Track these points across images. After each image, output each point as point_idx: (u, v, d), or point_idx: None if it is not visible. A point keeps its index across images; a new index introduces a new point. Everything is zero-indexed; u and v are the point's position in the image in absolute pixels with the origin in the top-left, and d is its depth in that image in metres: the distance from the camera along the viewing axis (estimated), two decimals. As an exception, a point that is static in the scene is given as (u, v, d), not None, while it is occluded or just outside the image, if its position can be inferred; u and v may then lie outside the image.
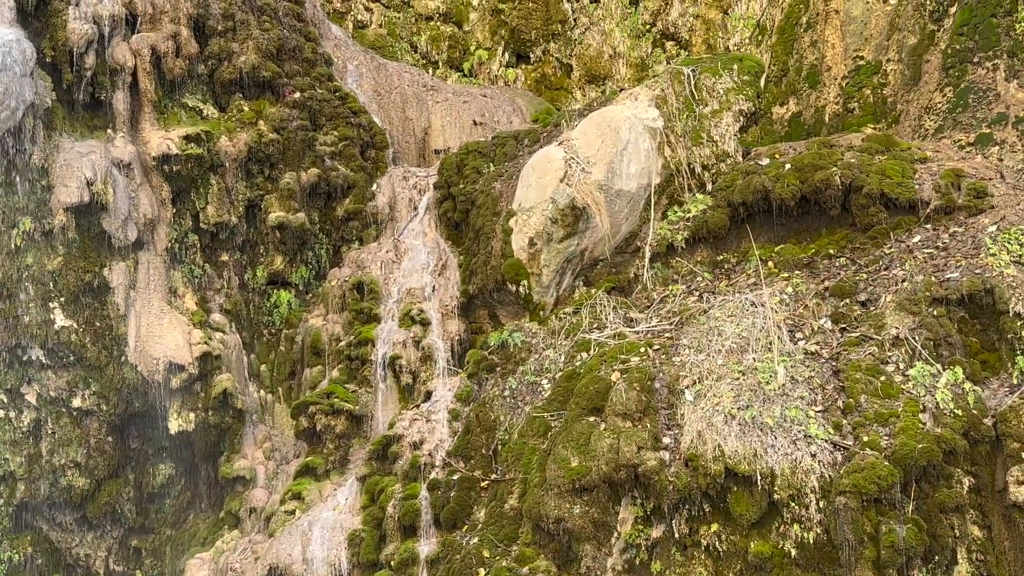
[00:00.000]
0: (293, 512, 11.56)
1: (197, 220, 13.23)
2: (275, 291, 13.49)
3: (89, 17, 12.46)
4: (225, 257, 13.48)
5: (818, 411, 8.99)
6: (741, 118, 12.75)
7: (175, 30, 13.00)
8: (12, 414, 12.22)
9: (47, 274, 12.05)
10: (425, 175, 14.30)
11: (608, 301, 11.46)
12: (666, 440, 9.14)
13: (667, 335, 10.49)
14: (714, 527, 8.71)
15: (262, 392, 13.33)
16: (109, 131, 12.76)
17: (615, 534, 9.04)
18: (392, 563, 10.24)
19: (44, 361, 12.23)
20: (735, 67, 13.00)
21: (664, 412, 9.39)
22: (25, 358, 12.16)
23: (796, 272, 10.97)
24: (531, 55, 17.23)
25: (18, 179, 11.82)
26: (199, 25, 13.27)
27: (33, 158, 11.83)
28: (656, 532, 8.92)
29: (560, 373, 10.65)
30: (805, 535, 8.38)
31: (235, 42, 13.40)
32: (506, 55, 17.29)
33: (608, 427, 9.25)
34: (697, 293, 11.33)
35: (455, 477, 10.51)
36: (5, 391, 12.17)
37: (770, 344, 9.65)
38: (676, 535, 8.80)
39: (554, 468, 9.27)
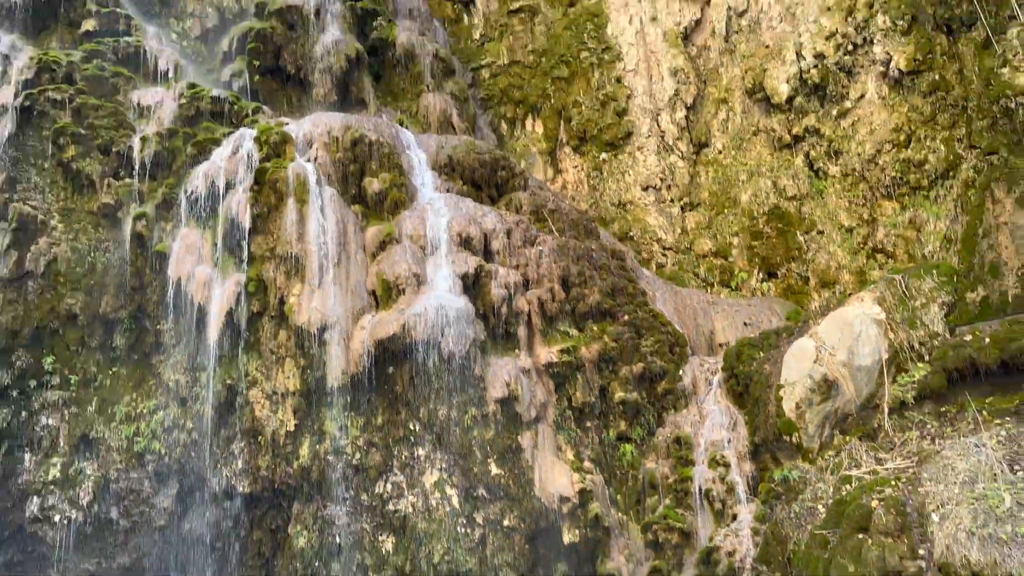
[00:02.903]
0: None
1: (570, 401, 13.85)
2: (622, 445, 13.73)
3: (502, 285, 14.00)
4: (589, 424, 13.89)
5: (1041, 528, 8.40)
6: (944, 307, 12.52)
7: (551, 286, 14.32)
8: (467, 531, 12.97)
9: (485, 441, 13.09)
10: (714, 362, 14.45)
11: (860, 445, 11.35)
12: (921, 552, 8.88)
13: (910, 471, 10.25)
14: (967, 620, 8.22)
15: (619, 514, 13.29)
16: (516, 351, 13.88)
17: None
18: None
19: (486, 496, 12.94)
20: (934, 271, 12.89)
21: (916, 530, 9.14)
22: (475, 494, 12.95)
23: (1006, 418, 10.50)
24: (778, 273, 17.23)
25: (468, 384, 13.26)
26: (564, 281, 14.46)
27: (475, 371, 13.27)
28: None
29: (831, 500, 10.56)
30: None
31: (586, 288, 14.47)
32: (760, 274, 17.37)
33: (874, 542, 9.18)
34: (929, 437, 11.00)
35: (762, 577, 10.46)
36: (465, 516, 12.90)
37: (995, 475, 9.33)
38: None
39: (835, 573, 9.32)
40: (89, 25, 16.92)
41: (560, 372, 13.96)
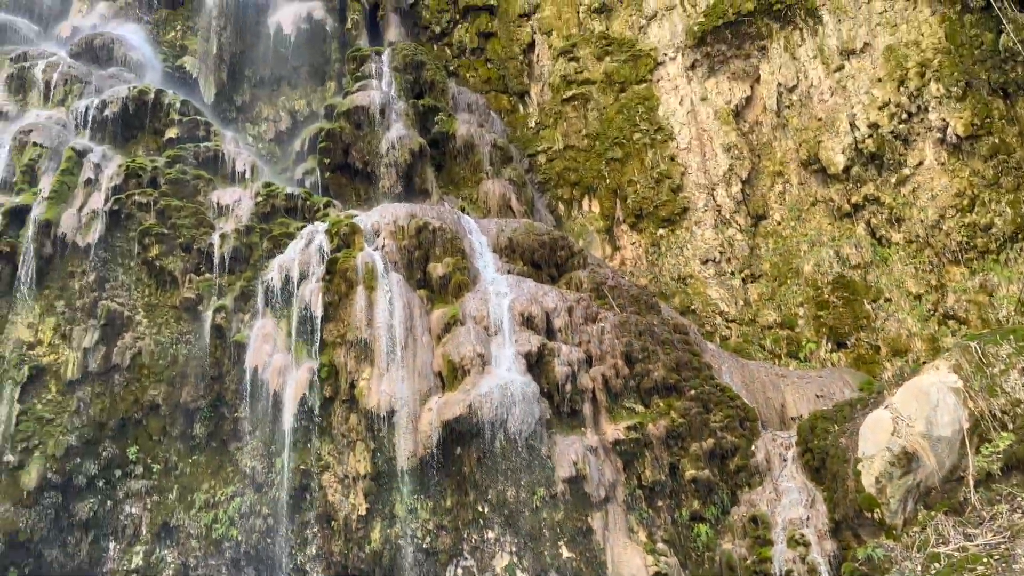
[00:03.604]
0: None
1: (640, 480, 13.68)
2: (696, 524, 13.41)
3: (565, 363, 14.08)
4: (661, 503, 13.67)
5: None
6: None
7: (614, 362, 14.40)
8: (541, 614, 12.72)
9: (555, 523, 12.90)
10: (787, 437, 14.16)
11: (946, 520, 10.87)
12: (1021, 631, 8.44)
13: (1003, 547, 9.89)
14: None
15: (697, 596, 12.94)
16: (582, 428, 13.83)
17: None
18: None
19: (557, 580, 12.87)
20: (1011, 336, 12.45)
21: (1013, 610, 8.67)
22: (547, 578, 12.90)
23: (1103, 488, 9.91)
24: (847, 342, 16.97)
25: (536, 464, 13.12)
26: (627, 357, 14.53)
27: (542, 450, 13.25)
28: None
29: (921, 579, 10.08)
30: None
31: (650, 364, 14.48)
32: (828, 344, 17.12)
33: (970, 621, 8.68)
34: (1020, 511, 10.52)
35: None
36: (538, 599, 12.81)
37: (1094, 551, 8.90)
38: None
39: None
40: (172, 133, 18.26)
41: (628, 450, 13.89)
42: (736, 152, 19.50)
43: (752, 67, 19.80)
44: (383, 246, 15.42)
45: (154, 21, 22.24)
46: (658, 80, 20.99)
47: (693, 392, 14.42)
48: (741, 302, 18.55)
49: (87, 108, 17.94)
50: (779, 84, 19.35)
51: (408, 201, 18.05)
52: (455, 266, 15.42)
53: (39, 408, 14.59)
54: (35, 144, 16.90)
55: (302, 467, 14.00)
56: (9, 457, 14.15)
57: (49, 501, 14.23)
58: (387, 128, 19.50)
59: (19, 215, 15.75)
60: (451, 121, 20.61)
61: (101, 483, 14.58)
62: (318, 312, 14.52)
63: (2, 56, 19.62)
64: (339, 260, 14.90)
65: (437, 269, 15.47)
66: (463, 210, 18.48)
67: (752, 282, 18.72)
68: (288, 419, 14.09)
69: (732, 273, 18.93)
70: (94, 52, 20.48)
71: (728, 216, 19.27)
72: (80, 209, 16.12)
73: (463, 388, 13.77)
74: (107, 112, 17.94)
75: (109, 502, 14.56)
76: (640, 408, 14.39)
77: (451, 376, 14.10)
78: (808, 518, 12.59)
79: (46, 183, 16.35)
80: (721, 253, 19.13)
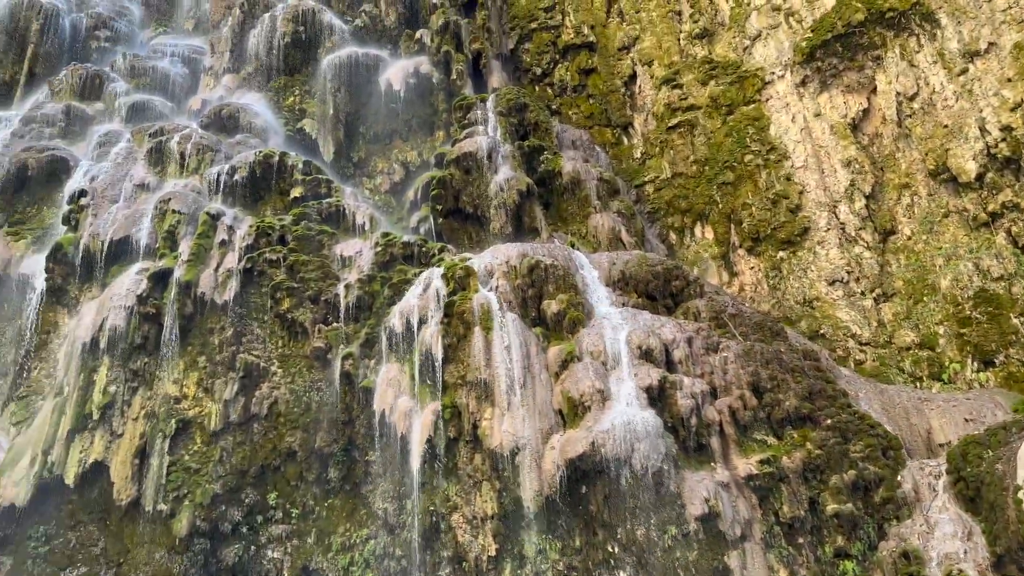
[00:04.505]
0: None
1: (777, 516, 13.22)
2: (841, 562, 12.85)
3: (688, 396, 13.80)
4: (801, 540, 13.15)
5: None
6: None
7: (741, 393, 14.01)
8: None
9: (690, 563, 12.55)
10: (936, 465, 13.43)
11: None
12: None
13: None
14: None
15: (848, 638, 12.23)
16: (711, 463, 13.50)
17: None
18: None
19: (694, 623, 12.35)
20: None
21: None
22: (683, 621, 12.39)
23: None
24: (995, 361, 16.02)
25: (665, 501, 12.91)
26: (755, 387, 14.13)
27: (671, 487, 12.95)
28: None
29: (1107, 620, 9.39)
30: None
31: (780, 393, 14.03)
32: (974, 363, 16.19)
33: None
34: None
35: None
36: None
37: None
38: None
39: None
40: (296, 192, 19.40)
41: (762, 484, 13.46)
42: (857, 166, 18.77)
43: (867, 78, 19.12)
44: (497, 287, 15.70)
45: (274, 88, 23.83)
46: (767, 99, 20.59)
47: (829, 421, 13.84)
48: (874, 323, 17.70)
49: (218, 174, 19.34)
50: (898, 93, 18.57)
51: (518, 240, 18.37)
52: (569, 302, 15.50)
53: (186, 459, 15.56)
54: (174, 211, 18.32)
55: (431, 508, 14.26)
56: (162, 506, 15.13)
57: (199, 547, 15.08)
58: (495, 171, 19.98)
59: (162, 278, 17.05)
60: (556, 159, 20.89)
61: (245, 529, 15.34)
62: (438, 355, 14.89)
63: (142, 133, 21.51)
64: (456, 303, 15.28)
65: (551, 306, 15.59)
66: (573, 245, 18.61)
67: (885, 301, 17.83)
68: (415, 461, 14.43)
69: (862, 293, 18.10)
70: (222, 122, 22.12)
71: (853, 233, 18.50)
72: (216, 269, 17.30)
73: (584, 425, 13.70)
74: (236, 177, 19.28)
75: (253, 547, 15.28)
76: (772, 440, 13.95)
77: (571, 413, 14.08)
78: (966, 552, 11.92)
79: (185, 247, 17.66)
80: (849, 272, 18.34)
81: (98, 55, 26.63)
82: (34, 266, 18.69)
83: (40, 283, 18.17)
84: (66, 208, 19.20)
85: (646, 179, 22.23)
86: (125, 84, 24.46)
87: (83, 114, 23.12)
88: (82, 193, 19.23)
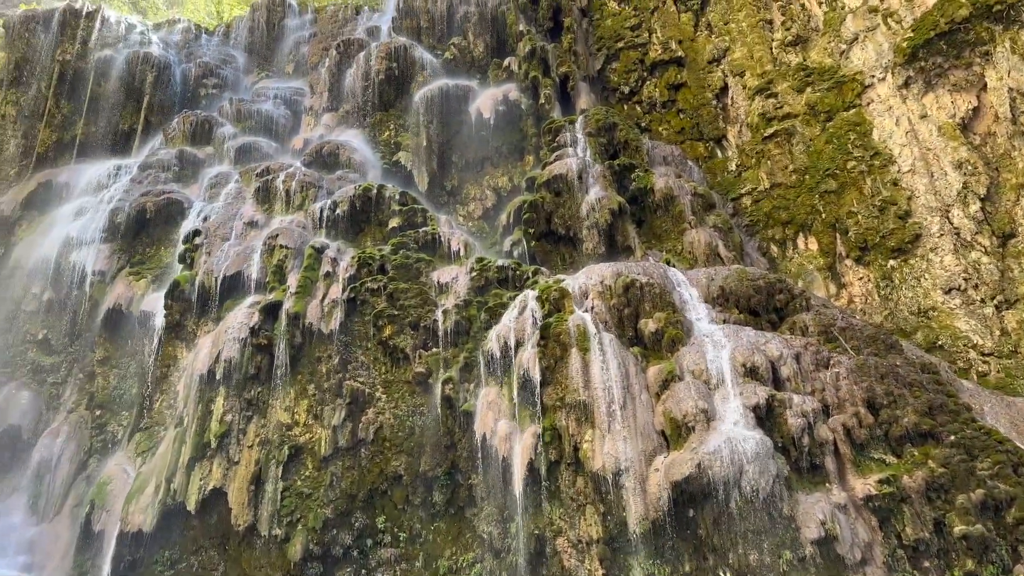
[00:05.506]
0: None
1: (900, 539, 12.61)
2: None
3: (799, 414, 13.31)
4: (927, 564, 12.51)
5: None
6: None
7: (855, 410, 13.48)
8: None
9: None
10: None
11: None
12: None
13: None
14: None
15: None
16: (826, 484, 12.96)
17: None
18: None
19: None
20: None
21: None
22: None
23: None
24: None
25: (777, 524, 12.47)
26: (870, 403, 13.58)
27: (784, 509, 12.52)
28: None
29: None
30: None
31: (897, 409, 13.43)
32: None
33: None
34: None
35: None
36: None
37: None
38: None
39: None
40: (394, 222, 20.03)
41: (882, 505, 12.85)
42: (969, 168, 17.81)
43: (975, 75, 18.18)
44: (592, 307, 15.67)
45: (371, 124, 24.78)
46: (868, 103, 19.87)
47: (953, 438, 13.17)
48: (997, 332, 16.65)
49: (321, 209, 20.20)
50: (1010, 89, 17.55)
51: (612, 260, 18.32)
52: (667, 320, 15.28)
53: (299, 484, 16.13)
54: (282, 246, 19.21)
55: (535, 532, 14.24)
56: (277, 531, 15.71)
57: (312, 572, 15.54)
58: (585, 192, 20.01)
59: (273, 311, 17.85)
60: (648, 176, 20.75)
61: (355, 553, 15.73)
62: (536, 377, 14.95)
63: (249, 173, 22.75)
64: (551, 325, 15.32)
65: (648, 325, 15.41)
66: (668, 263, 18.37)
67: (1008, 309, 16.76)
68: (518, 484, 14.46)
69: (982, 301, 17.07)
70: (323, 159, 23.13)
71: (969, 238, 17.52)
72: (322, 300, 17.99)
73: (689, 446, 13.44)
74: (338, 211, 20.10)
75: (363, 571, 15.63)
76: (891, 459, 13.36)
77: (674, 434, 13.82)
78: (1120, 578, 10.88)
79: (293, 280, 18.48)
80: (966, 280, 17.34)
81: (207, 101, 28.36)
82: (154, 303, 19.89)
83: (160, 319, 19.31)
84: (182, 247, 20.43)
85: (742, 191, 21.77)
86: (232, 128, 25.95)
87: (194, 158, 24.64)
88: (196, 233, 20.45)
